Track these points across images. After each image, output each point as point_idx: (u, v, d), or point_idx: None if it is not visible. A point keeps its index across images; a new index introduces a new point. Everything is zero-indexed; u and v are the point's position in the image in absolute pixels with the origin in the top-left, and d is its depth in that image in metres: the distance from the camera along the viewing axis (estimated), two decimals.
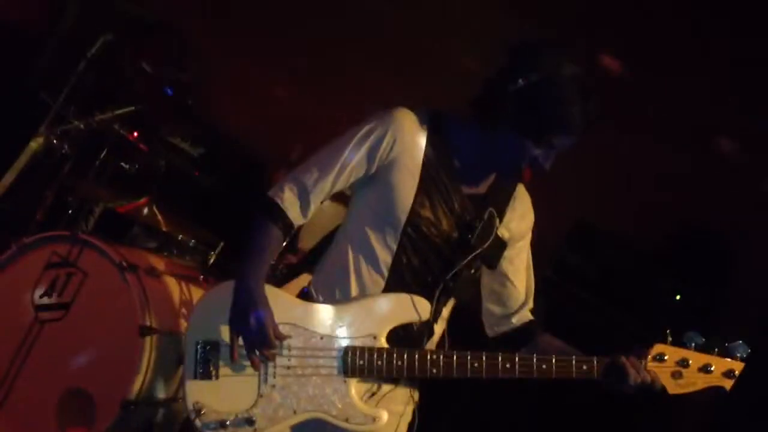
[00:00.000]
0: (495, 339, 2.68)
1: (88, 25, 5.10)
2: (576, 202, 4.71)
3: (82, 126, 4.02)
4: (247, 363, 2.40)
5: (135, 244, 4.31)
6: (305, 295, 2.55)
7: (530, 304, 2.66)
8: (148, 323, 3.33)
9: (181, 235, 4.21)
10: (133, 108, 4.06)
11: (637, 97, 4.80)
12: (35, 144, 4.03)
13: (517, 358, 2.39)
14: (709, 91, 4.69)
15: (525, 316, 2.65)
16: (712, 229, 4.49)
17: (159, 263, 3.70)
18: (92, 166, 4.23)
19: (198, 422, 2.40)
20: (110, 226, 4.32)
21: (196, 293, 3.69)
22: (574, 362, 2.40)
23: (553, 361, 2.38)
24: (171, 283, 3.63)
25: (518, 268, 2.63)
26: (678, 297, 4.32)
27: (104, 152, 4.26)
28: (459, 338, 2.55)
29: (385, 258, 2.46)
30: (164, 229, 4.16)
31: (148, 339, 3.31)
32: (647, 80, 4.89)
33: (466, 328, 2.68)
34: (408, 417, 2.60)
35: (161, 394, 3.42)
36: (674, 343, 2.43)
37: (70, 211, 4.18)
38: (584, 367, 2.39)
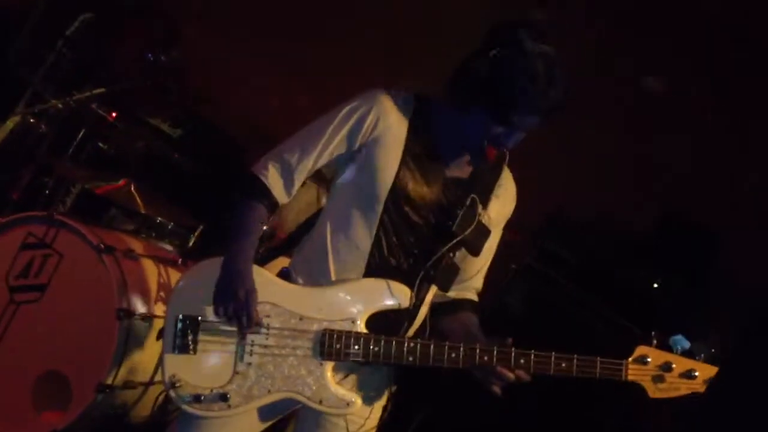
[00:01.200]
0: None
1: (67, 4, 5.03)
2: (557, 190, 4.71)
3: (59, 105, 3.97)
4: (226, 340, 2.41)
5: (113, 226, 4.27)
6: (284, 275, 2.53)
7: (476, 283, 2.64)
8: (125, 306, 3.30)
9: (159, 218, 4.17)
10: (110, 88, 4.01)
11: (618, 87, 4.81)
12: (12, 123, 3.99)
13: (495, 350, 2.37)
14: (691, 81, 4.70)
15: (463, 294, 2.62)
16: (693, 218, 4.50)
17: (137, 246, 3.66)
18: (70, 146, 4.19)
19: (173, 394, 2.41)
20: (88, 207, 4.28)
21: (174, 276, 3.65)
22: (553, 359, 2.36)
23: (532, 355, 2.36)
24: (149, 265, 3.60)
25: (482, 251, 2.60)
26: (655, 285, 4.33)
27: (82, 132, 4.21)
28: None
29: (365, 239, 2.44)
30: (143, 211, 4.11)
31: (125, 322, 3.28)
32: (628, 70, 4.89)
33: None
34: (382, 402, 2.59)
35: (138, 377, 3.39)
36: (659, 346, 2.39)
37: (47, 192, 4.13)
38: (563, 365, 2.36)
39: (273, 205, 2.48)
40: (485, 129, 2.36)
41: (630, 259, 4.44)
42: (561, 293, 4.34)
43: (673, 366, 2.37)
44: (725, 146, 4.65)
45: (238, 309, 2.36)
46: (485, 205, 2.52)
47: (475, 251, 2.53)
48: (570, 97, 2.32)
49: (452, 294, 2.61)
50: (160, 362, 2.46)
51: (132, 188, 4.12)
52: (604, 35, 4.88)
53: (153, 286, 3.53)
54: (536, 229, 4.55)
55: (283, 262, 2.65)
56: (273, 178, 2.46)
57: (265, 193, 2.46)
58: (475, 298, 2.66)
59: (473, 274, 2.63)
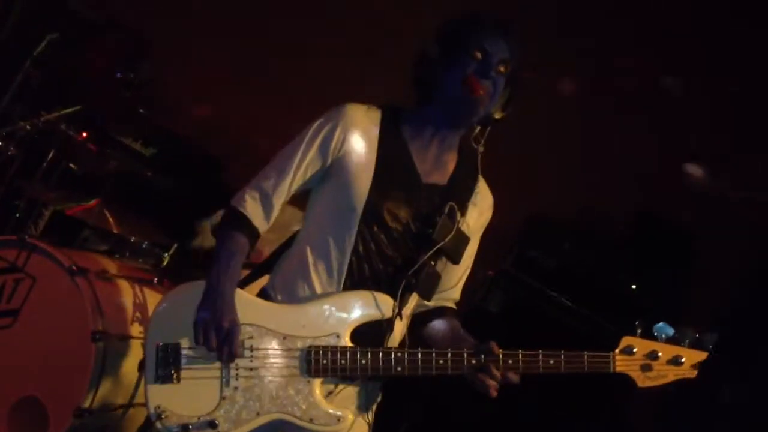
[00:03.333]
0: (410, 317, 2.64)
1: (35, 25, 4.99)
2: (534, 194, 4.71)
3: (28, 127, 3.93)
4: (210, 366, 2.37)
5: (86, 248, 4.22)
6: (263, 295, 2.52)
7: (455, 294, 2.65)
8: (100, 328, 3.25)
9: (133, 237, 4.13)
10: (80, 107, 3.97)
11: (598, 89, 4.83)
12: None
13: (482, 356, 2.36)
14: (670, 81, 4.73)
15: (445, 301, 2.63)
16: (671, 219, 4.52)
17: (111, 266, 3.62)
18: (40, 167, 4.14)
19: (160, 425, 2.36)
20: (60, 229, 4.24)
21: (150, 296, 3.61)
22: (540, 357, 2.38)
23: (520, 356, 2.36)
24: (124, 286, 3.56)
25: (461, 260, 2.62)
26: (634, 287, 4.35)
27: (52, 153, 4.17)
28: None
29: (343, 253, 2.43)
30: (116, 231, 4.08)
31: (101, 344, 3.23)
32: (609, 72, 4.92)
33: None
34: (365, 418, 2.55)
35: (116, 399, 3.34)
36: (643, 335, 2.42)
37: (17, 215, 4.08)
38: (551, 362, 2.38)
39: (254, 234, 2.48)
40: (461, 71, 2.39)
41: (608, 261, 4.46)
42: (539, 298, 4.35)
43: (660, 354, 2.39)
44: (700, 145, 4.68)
45: (220, 341, 2.33)
46: (463, 213, 2.52)
47: (455, 259, 2.54)
48: (523, 33, 2.44)
49: (431, 304, 2.61)
50: (144, 393, 2.40)
51: (104, 208, 4.08)
52: (583, 35, 4.91)
53: (128, 306, 3.49)
54: (513, 234, 4.56)
55: (263, 282, 2.63)
56: (251, 207, 2.47)
57: (244, 223, 2.46)
58: (454, 307, 2.66)
59: (453, 285, 2.64)
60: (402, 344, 2.51)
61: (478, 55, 2.40)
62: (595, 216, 4.67)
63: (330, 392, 2.45)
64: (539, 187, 4.80)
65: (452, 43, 2.42)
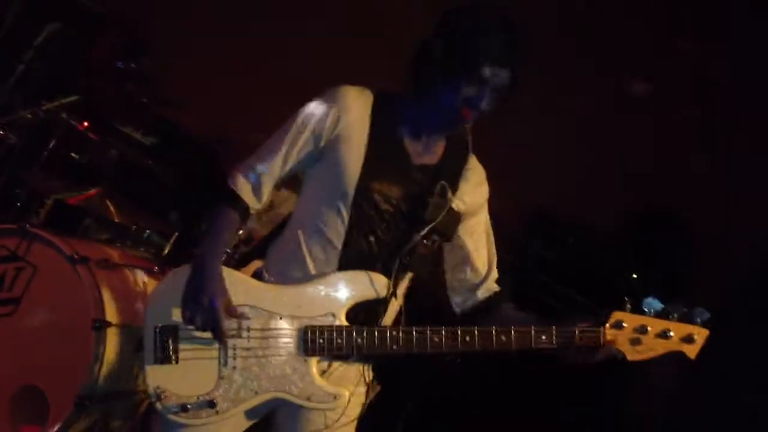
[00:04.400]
0: (463, 315, 2.70)
1: (36, 15, 4.98)
2: (535, 189, 4.71)
3: (29, 116, 3.92)
4: (207, 346, 2.41)
5: (87, 236, 4.21)
6: (257, 276, 2.56)
7: (494, 274, 2.69)
8: (101, 316, 3.24)
9: (134, 226, 4.13)
10: (80, 97, 3.97)
11: (593, 83, 4.83)
12: None
13: (476, 331, 2.41)
14: (670, 74, 4.73)
15: (490, 287, 2.68)
16: (671, 210, 4.53)
17: (112, 255, 3.61)
18: (41, 157, 4.14)
19: (159, 406, 2.41)
20: (61, 218, 4.23)
21: (151, 284, 3.60)
22: (533, 332, 2.42)
23: (512, 332, 2.41)
24: (125, 274, 3.55)
25: (478, 240, 2.66)
26: (634, 276, 4.36)
27: (53, 143, 4.17)
28: (417, 315, 2.55)
29: (337, 234, 2.47)
30: (117, 220, 4.08)
31: (102, 332, 3.22)
32: (610, 64, 4.91)
33: (425, 304, 2.67)
34: (360, 397, 2.62)
35: (118, 388, 3.34)
36: (633, 311, 2.46)
37: (18, 204, 4.08)
38: (543, 338, 2.43)
39: (244, 210, 2.53)
40: (456, 93, 2.39)
41: (609, 253, 4.46)
42: (542, 291, 4.35)
43: (649, 328, 2.44)
44: (696, 140, 4.67)
45: (205, 319, 2.36)
46: (455, 191, 2.55)
47: (448, 237, 2.58)
48: (530, 53, 2.41)
49: (481, 293, 2.67)
50: (143, 375, 2.45)
51: (105, 197, 4.08)
52: (579, 32, 4.90)
53: (129, 294, 3.49)
54: (515, 227, 4.56)
55: (256, 265, 2.65)
56: (241, 184, 2.51)
57: (233, 198, 2.51)
58: (499, 288, 2.70)
59: (486, 268, 2.68)
60: (397, 323, 2.55)
61: (477, 82, 2.38)
62: (596, 209, 4.67)
63: (324, 371, 2.50)
64: (540, 180, 4.79)
65: (455, 54, 2.38)
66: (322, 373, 2.48)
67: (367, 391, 2.62)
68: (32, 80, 4.52)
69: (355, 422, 2.61)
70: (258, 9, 5.44)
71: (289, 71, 5.34)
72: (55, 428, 3.18)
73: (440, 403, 4.16)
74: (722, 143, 4.62)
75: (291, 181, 2.66)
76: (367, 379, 2.61)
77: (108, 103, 4.67)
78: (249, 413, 2.51)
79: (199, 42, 5.54)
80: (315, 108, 2.50)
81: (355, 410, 2.59)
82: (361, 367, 2.58)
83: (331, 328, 2.42)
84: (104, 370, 3.24)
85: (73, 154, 4.31)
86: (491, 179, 2.68)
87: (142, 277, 3.61)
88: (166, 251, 4.14)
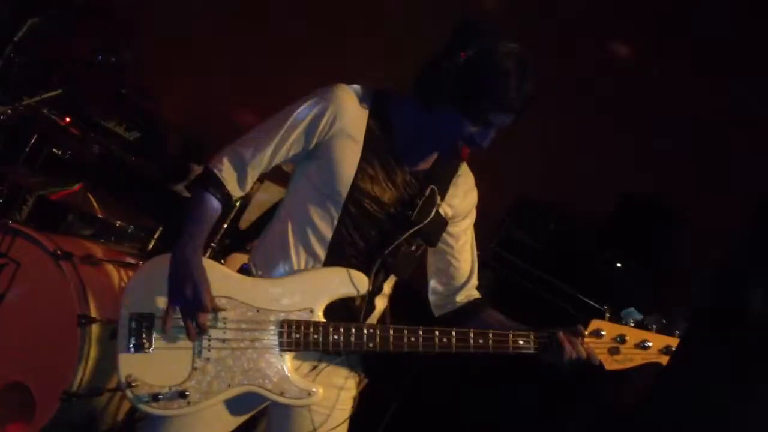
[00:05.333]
0: (441, 318, 2.68)
1: (16, 8, 4.94)
2: (518, 176, 4.72)
3: (9, 111, 3.89)
4: (182, 336, 2.38)
5: (71, 232, 4.20)
6: (244, 272, 2.53)
7: (474, 281, 2.68)
8: (86, 312, 3.24)
9: (118, 221, 4.11)
10: (60, 91, 3.94)
11: (580, 71, 4.83)
12: None
13: (453, 333, 2.40)
14: (658, 64, 4.74)
15: (470, 294, 2.67)
16: (654, 198, 4.55)
17: (96, 250, 3.61)
18: (23, 152, 4.11)
19: (130, 394, 2.37)
20: (44, 214, 4.21)
21: None
22: (510, 337, 2.43)
23: (490, 335, 2.41)
24: (109, 270, 3.55)
25: (462, 245, 2.64)
26: (619, 265, 4.37)
27: (35, 138, 4.14)
28: (404, 316, 2.54)
29: (325, 233, 2.44)
30: (100, 215, 4.05)
31: (87, 328, 3.23)
32: (592, 53, 4.92)
33: (411, 306, 2.68)
34: (351, 391, 2.60)
35: (103, 384, 3.33)
36: (612, 320, 2.46)
37: (0, 200, 4.05)
38: (521, 342, 2.43)
39: (226, 197, 2.47)
40: (459, 129, 2.36)
41: (592, 241, 4.48)
42: (526, 279, 4.36)
43: (627, 338, 2.44)
44: (685, 128, 4.69)
45: (187, 308, 2.35)
46: (443, 196, 2.53)
47: (432, 241, 2.56)
48: (540, 92, 2.34)
49: (461, 299, 2.65)
50: (115, 363, 2.41)
51: (88, 193, 4.06)
52: (562, 19, 4.91)
53: (114, 290, 3.48)
54: (499, 215, 4.57)
55: (239, 257, 2.63)
56: (227, 172, 2.45)
57: (218, 186, 2.45)
58: (479, 295, 2.68)
59: (468, 272, 2.66)
60: (382, 322, 2.54)
61: (482, 124, 2.35)
62: (579, 197, 4.69)
63: (311, 367, 2.47)
64: (525, 168, 4.81)
65: (465, 92, 2.31)
66: (312, 369, 2.46)
67: (357, 390, 2.60)
68: (13, 75, 4.48)
69: (347, 422, 2.59)
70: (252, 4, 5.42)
71: (272, 64, 5.32)
72: (42, 424, 3.18)
73: (426, 400, 4.16)
74: (707, 130, 4.63)
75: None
76: (356, 378, 2.59)
77: (89, 97, 4.64)
78: (231, 409, 2.47)
79: (182, 33, 5.51)
80: (311, 105, 2.43)
81: (343, 409, 2.57)
82: (350, 363, 2.55)
83: (308, 323, 2.39)
84: (90, 365, 3.24)
85: (55, 150, 4.28)
86: (473, 166, 2.65)
87: (126, 272, 3.60)
88: (151, 246, 4.12)
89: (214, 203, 2.45)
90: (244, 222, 3.89)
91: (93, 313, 3.26)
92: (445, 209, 2.54)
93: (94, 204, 4.05)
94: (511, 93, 2.29)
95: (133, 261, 3.76)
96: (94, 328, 3.26)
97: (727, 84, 4.48)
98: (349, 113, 2.43)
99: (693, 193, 4.51)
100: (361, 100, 2.46)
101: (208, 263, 2.41)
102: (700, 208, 4.42)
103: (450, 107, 2.34)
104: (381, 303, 2.56)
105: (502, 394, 4.05)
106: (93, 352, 3.25)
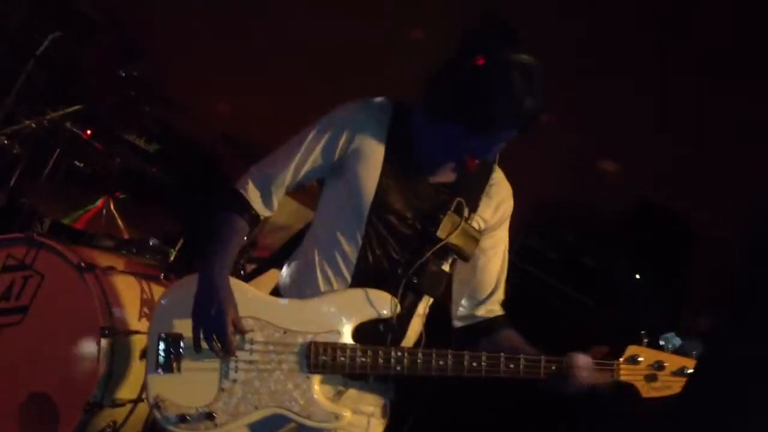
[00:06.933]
0: (460, 330, 2.61)
1: (38, 24, 5.00)
2: (536, 186, 4.72)
3: (33, 125, 3.94)
4: (210, 357, 2.38)
5: (93, 244, 4.24)
6: (272, 293, 2.53)
7: (498, 296, 2.59)
8: (108, 324, 3.28)
9: (140, 234, 4.15)
10: (83, 105, 3.99)
11: (598, 80, 4.83)
12: None
13: (484, 357, 2.34)
14: (672, 73, 4.73)
15: (491, 309, 2.58)
16: (673, 208, 4.53)
17: (118, 263, 3.64)
18: (45, 166, 4.16)
19: (158, 415, 2.39)
20: (67, 226, 4.24)
21: (157, 291, 3.64)
22: (543, 362, 2.34)
23: (522, 360, 2.34)
24: (131, 282, 3.58)
25: (489, 258, 2.56)
26: (638, 276, 4.35)
27: (57, 152, 4.19)
28: (439, 338, 2.50)
29: (350, 252, 2.42)
30: (122, 227, 4.09)
31: (109, 340, 3.26)
32: (609, 63, 4.92)
33: (447, 327, 2.62)
34: (380, 418, 2.55)
35: (125, 394, 3.37)
36: (650, 345, 2.38)
37: (24, 213, 4.10)
38: (553, 368, 2.35)
39: (254, 218, 2.49)
40: (464, 141, 2.34)
41: (610, 251, 4.47)
42: (543, 289, 4.36)
43: (666, 364, 2.35)
44: (702, 137, 4.68)
45: (210, 329, 2.33)
46: (474, 208, 2.48)
47: (465, 256, 2.48)
48: (548, 106, 2.29)
49: (481, 313, 2.57)
50: (145, 383, 2.44)
51: (111, 207, 4.10)
52: (573, 27, 4.91)
53: (136, 302, 3.52)
54: (516, 224, 4.57)
55: (273, 274, 2.64)
56: (252, 192, 2.48)
57: (245, 207, 2.48)
58: (502, 312, 2.60)
59: (492, 287, 2.58)
60: (418, 344, 2.49)
61: (487, 136, 2.33)
62: (596, 206, 4.68)
63: (339, 392, 2.44)
64: (541, 178, 4.80)
65: (471, 105, 2.26)
66: (337, 393, 2.43)
67: (387, 414, 2.54)
68: (35, 89, 4.54)
69: None
70: (263, 12, 5.43)
71: (290, 74, 5.34)
72: None
73: (444, 418, 4.15)
74: (723, 138, 4.62)
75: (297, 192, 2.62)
76: (386, 401, 2.54)
77: (110, 110, 4.69)
78: (253, 429, 2.43)
79: (203, 46, 5.54)
80: (329, 123, 2.44)
81: None
82: (379, 389, 2.51)
83: (334, 346, 2.36)
84: (112, 377, 3.27)
85: (77, 163, 4.33)
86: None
87: (147, 284, 3.64)
88: (172, 258, 4.15)
89: (241, 223, 2.47)
90: (269, 239, 3.91)
91: (115, 325, 3.29)
92: (477, 221, 2.49)
93: (117, 217, 4.09)
94: (515, 106, 2.23)
95: (154, 273, 3.80)
96: (117, 340, 3.29)
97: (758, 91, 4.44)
98: (367, 130, 2.43)
99: (713, 202, 4.49)
100: (380, 114, 2.45)
101: (235, 284, 2.41)
102: (722, 217, 4.40)
103: (454, 119, 2.31)
104: (416, 324, 2.50)
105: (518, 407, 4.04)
106: (115, 364, 3.28)
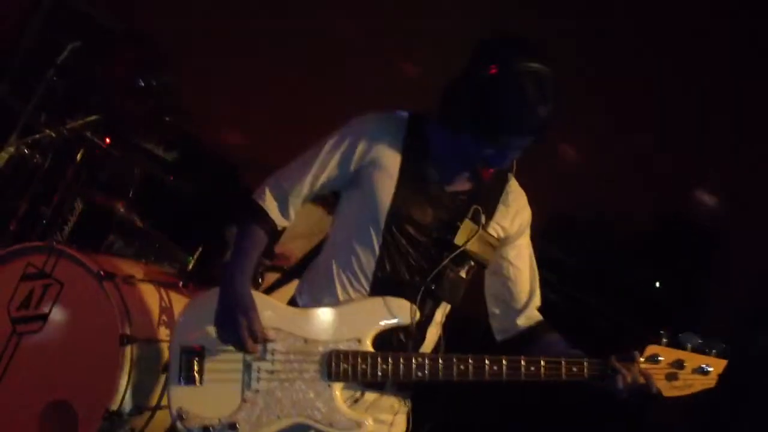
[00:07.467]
0: (504, 343, 2.61)
1: (57, 33, 5.05)
2: (555, 192, 4.71)
3: (53, 134, 3.97)
4: (232, 368, 2.39)
5: (112, 253, 4.26)
6: (292, 303, 2.54)
7: (535, 302, 2.60)
8: (128, 332, 3.28)
9: (158, 242, 4.16)
10: (101, 115, 4.01)
11: (618, 90, 4.82)
12: (6, 154, 3.98)
13: (504, 361, 2.33)
14: (693, 83, 4.71)
15: (531, 316, 2.58)
16: (691, 218, 4.51)
17: (137, 271, 3.65)
18: (65, 175, 4.19)
19: (181, 427, 2.39)
20: (86, 235, 4.27)
21: (176, 300, 3.65)
22: (563, 364, 2.34)
23: (542, 362, 2.33)
24: (150, 290, 3.59)
25: (519, 267, 2.56)
26: (657, 284, 4.34)
27: (77, 161, 4.21)
28: (458, 344, 2.49)
29: (368, 261, 2.43)
30: (141, 235, 4.12)
31: (128, 348, 3.27)
32: (630, 71, 4.91)
33: (465, 333, 2.62)
34: (399, 427, 2.55)
35: (144, 402, 3.37)
36: (669, 344, 2.36)
37: (44, 222, 4.13)
38: (574, 369, 2.34)
39: (272, 229, 2.51)
40: (477, 150, 2.34)
41: (630, 259, 4.45)
42: (561, 296, 4.35)
43: (686, 363, 2.34)
44: (724, 145, 4.66)
45: (239, 334, 2.35)
46: (491, 215, 2.48)
47: (483, 263, 2.48)
48: (562, 114, 2.29)
49: (522, 322, 2.57)
50: (167, 395, 2.45)
51: (129, 213, 4.12)
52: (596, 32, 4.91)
53: (155, 310, 3.53)
54: (534, 233, 4.56)
55: (290, 285, 2.65)
56: (269, 202, 2.49)
57: (263, 217, 2.49)
58: (540, 317, 2.60)
59: (528, 295, 2.58)
60: (436, 351, 2.49)
61: (500, 146, 2.32)
62: (617, 214, 4.67)
63: (356, 400, 2.44)
64: (561, 185, 4.79)
65: (484, 114, 2.26)
66: (354, 401, 2.44)
67: (407, 423, 2.54)
68: (55, 99, 4.57)
69: None
70: (281, 26, 5.46)
71: (312, 86, 5.36)
72: None
73: (460, 425, 4.14)
74: (745, 149, 4.60)
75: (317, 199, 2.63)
76: (404, 409, 2.53)
77: (129, 119, 4.72)
78: None
79: (220, 56, 5.58)
80: (345, 134, 2.46)
81: None
82: (395, 398, 2.51)
83: (356, 354, 2.36)
84: (131, 385, 3.27)
85: (96, 171, 4.36)
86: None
87: (166, 292, 3.65)
88: (190, 266, 4.17)
89: (260, 233, 2.49)
90: (286, 247, 3.91)
91: (135, 333, 3.30)
92: (495, 229, 2.49)
93: (135, 224, 4.11)
94: (527, 117, 2.23)
95: (173, 281, 3.81)
96: (136, 348, 3.30)
97: None
98: (383, 141, 2.44)
99: (733, 211, 4.47)
100: (396, 125, 2.46)
101: (256, 295, 2.43)
102: (742, 226, 4.38)
103: (468, 128, 2.31)
104: (433, 332, 2.51)
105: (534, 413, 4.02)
106: (135, 371, 3.28)
